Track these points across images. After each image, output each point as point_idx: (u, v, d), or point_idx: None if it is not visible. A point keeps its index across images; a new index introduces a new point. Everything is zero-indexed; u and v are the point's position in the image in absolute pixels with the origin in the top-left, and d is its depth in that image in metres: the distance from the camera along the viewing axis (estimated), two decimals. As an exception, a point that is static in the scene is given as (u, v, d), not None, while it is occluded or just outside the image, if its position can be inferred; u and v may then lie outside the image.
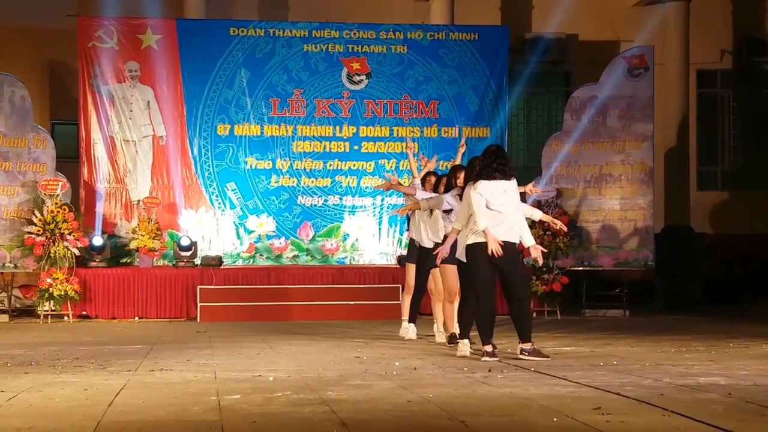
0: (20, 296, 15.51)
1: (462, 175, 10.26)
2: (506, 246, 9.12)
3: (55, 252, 14.57)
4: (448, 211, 10.34)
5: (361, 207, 16.91)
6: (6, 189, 15.07)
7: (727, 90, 19.79)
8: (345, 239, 16.81)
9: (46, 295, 14.45)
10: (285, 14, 18.12)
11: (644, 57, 16.19)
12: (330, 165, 16.89)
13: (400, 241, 16.57)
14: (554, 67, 18.92)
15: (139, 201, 16.21)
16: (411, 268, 11.61)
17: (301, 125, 16.85)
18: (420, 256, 11.26)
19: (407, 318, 11.82)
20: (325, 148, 16.89)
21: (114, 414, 6.09)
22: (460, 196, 9.91)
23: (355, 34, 17.00)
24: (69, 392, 7.01)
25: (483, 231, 9.11)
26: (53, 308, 14.59)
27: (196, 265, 15.56)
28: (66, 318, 14.69)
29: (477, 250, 9.17)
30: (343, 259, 16.74)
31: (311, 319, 14.58)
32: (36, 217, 14.67)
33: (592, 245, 16.00)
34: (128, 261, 16.04)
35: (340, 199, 16.89)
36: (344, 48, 16.95)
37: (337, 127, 16.92)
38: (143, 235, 15.41)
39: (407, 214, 11.86)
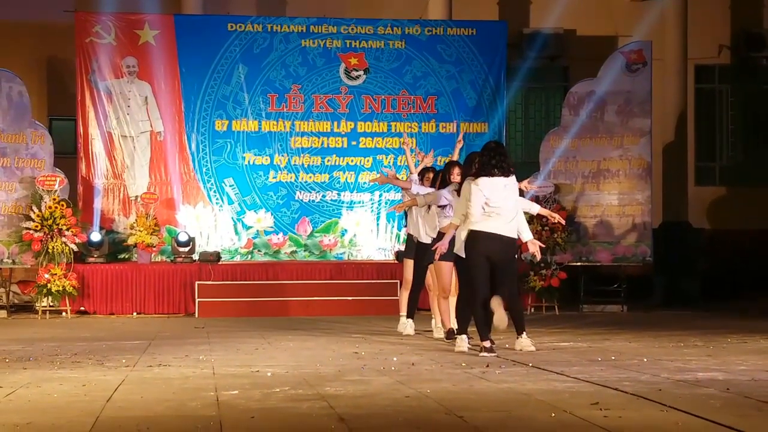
0: (18, 292, 15.52)
1: (456, 171, 10.26)
2: (505, 241, 9.12)
3: (53, 248, 14.56)
4: (444, 207, 10.34)
5: (359, 202, 16.90)
6: (4, 185, 15.06)
7: (726, 85, 19.79)
8: (343, 235, 16.81)
9: (44, 290, 14.45)
10: (282, 10, 18.12)
11: (642, 52, 16.19)
12: (328, 160, 16.89)
13: (398, 236, 16.57)
14: (552, 63, 18.91)
15: (137, 197, 16.20)
16: (409, 264, 11.61)
17: (299, 121, 16.85)
18: (418, 252, 11.26)
19: (405, 313, 11.83)
20: (323, 143, 16.89)
21: (112, 409, 6.09)
22: (458, 191, 9.91)
23: (352, 29, 16.99)
24: (67, 388, 7.01)
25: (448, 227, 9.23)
26: (51, 304, 14.59)
27: (194, 261, 15.56)
28: (64, 314, 14.69)
29: (475, 244, 9.14)
30: (341, 254, 16.74)
31: (309, 314, 14.59)
32: (34, 212, 14.67)
33: (590, 241, 16.00)
34: (126, 257, 16.04)
35: (338, 194, 16.89)
36: (342, 43, 16.95)
37: (335, 123, 16.92)
38: (141, 231, 15.41)
39: (404, 210, 11.84)
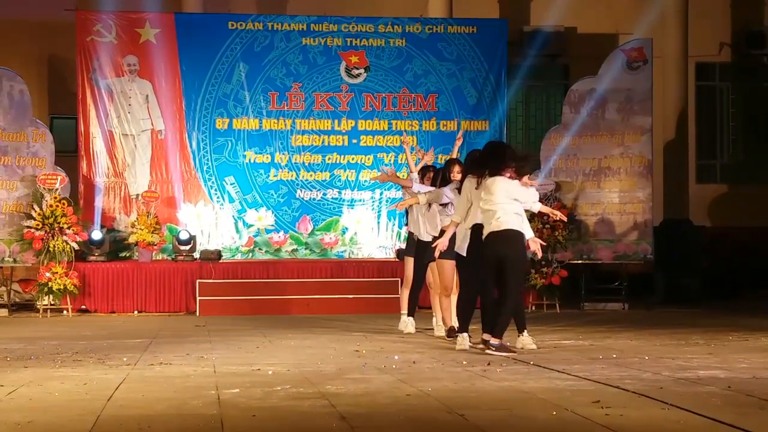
0: (19, 290, 15.52)
1: (457, 169, 10.26)
2: (511, 234, 9.08)
3: (54, 246, 14.56)
4: (445, 205, 10.34)
5: (360, 201, 16.90)
6: (5, 183, 15.06)
7: (726, 83, 19.78)
8: (344, 233, 16.81)
9: (46, 289, 14.45)
10: (283, 8, 18.11)
11: (643, 50, 16.17)
12: (329, 159, 16.89)
13: (398, 234, 16.57)
14: (553, 60, 18.90)
15: (137, 195, 16.20)
16: (410, 262, 11.62)
17: (300, 119, 16.84)
18: (418, 250, 11.26)
19: (406, 312, 11.83)
20: (323, 141, 16.88)
21: (113, 408, 6.09)
22: (459, 189, 9.91)
23: (353, 27, 16.98)
24: (68, 386, 7.01)
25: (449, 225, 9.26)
26: (52, 302, 14.59)
27: (195, 259, 15.56)
28: (65, 312, 14.69)
29: (485, 242, 9.13)
30: (341, 252, 16.74)
31: (310, 312, 14.59)
32: (35, 211, 14.67)
33: (591, 239, 15.99)
34: (127, 255, 16.04)
35: (339, 192, 16.89)
36: (343, 41, 16.94)
37: (336, 121, 16.91)
38: (142, 229, 15.40)
39: (405, 209, 11.84)
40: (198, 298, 14.82)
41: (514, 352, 8.97)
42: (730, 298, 16.86)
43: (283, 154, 16.80)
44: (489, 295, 9.89)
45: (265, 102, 16.76)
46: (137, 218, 15.65)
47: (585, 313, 14.86)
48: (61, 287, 14.43)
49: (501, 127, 17.15)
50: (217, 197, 16.58)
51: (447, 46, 17.14)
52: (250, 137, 16.73)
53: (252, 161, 16.72)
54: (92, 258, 15.26)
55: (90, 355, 9.07)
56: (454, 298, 10.48)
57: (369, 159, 16.92)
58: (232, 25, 16.71)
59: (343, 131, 16.92)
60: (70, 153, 16.44)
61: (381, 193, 16.86)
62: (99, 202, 16.09)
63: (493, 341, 9.03)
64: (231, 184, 16.64)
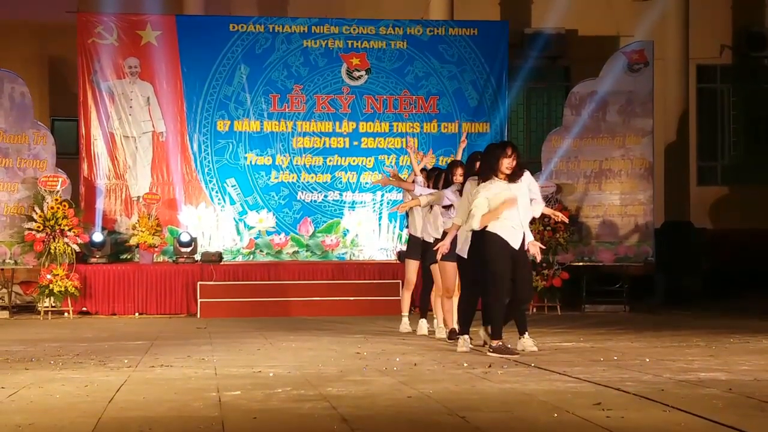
0: (20, 292, 15.52)
1: (459, 171, 10.27)
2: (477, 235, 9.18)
3: (55, 248, 14.57)
4: (447, 207, 10.34)
5: (361, 203, 16.91)
6: (6, 185, 15.07)
7: (727, 85, 19.79)
8: (345, 235, 16.81)
9: (47, 291, 14.45)
10: (284, 10, 18.12)
11: (644, 52, 16.18)
12: (330, 161, 16.89)
13: (400, 236, 16.57)
14: (554, 63, 18.91)
15: (139, 197, 16.20)
16: (411, 264, 11.63)
17: (301, 121, 16.85)
18: (423, 252, 11.27)
19: (407, 313, 11.85)
20: (324, 143, 16.89)
21: (114, 410, 6.09)
22: (460, 191, 9.91)
23: (354, 29, 16.99)
24: (69, 388, 7.01)
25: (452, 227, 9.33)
26: (53, 304, 14.59)
27: (196, 261, 15.56)
28: (66, 314, 14.69)
29: (495, 241, 9.10)
30: (343, 254, 16.75)
31: (311, 314, 14.59)
32: (36, 213, 14.68)
33: (592, 241, 16.00)
34: (128, 257, 16.05)
35: (340, 194, 16.89)
36: (344, 44, 16.95)
37: (337, 123, 16.92)
38: (143, 231, 15.41)
39: (406, 210, 11.85)
40: (199, 300, 14.82)
41: (516, 354, 8.96)
42: (731, 299, 16.84)
43: (284, 156, 16.80)
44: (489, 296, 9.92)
45: (266, 104, 16.77)
46: (138, 220, 15.65)
47: (586, 315, 14.86)
48: (62, 289, 14.43)
49: (502, 129, 17.15)
50: (218, 199, 16.58)
51: (448, 48, 17.14)
52: (251, 139, 16.73)
53: (253, 163, 16.72)
54: (93, 260, 15.27)
55: (91, 357, 9.07)
56: (455, 300, 10.47)
57: (370, 161, 16.93)
58: (233, 27, 16.72)
59: (344, 133, 16.92)
60: (71, 155, 16.45)
61: (382, 195, 16.87)
62: (100, 204, 16.10)
63: (492, 343, 9.04)
64: (232, 186, 16.64)
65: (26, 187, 15.11)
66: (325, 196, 16.87)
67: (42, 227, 14.61)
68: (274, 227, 16.66)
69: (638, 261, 15.97)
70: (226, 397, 6.54)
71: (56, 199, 14.79)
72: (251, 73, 16.70)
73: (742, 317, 13.75)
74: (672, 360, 8.57)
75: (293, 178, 16.82)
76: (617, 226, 15.95)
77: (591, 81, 16.29)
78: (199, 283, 14.95)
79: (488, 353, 8.99)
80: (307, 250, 16.69)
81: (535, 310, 15.18)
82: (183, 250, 15.61)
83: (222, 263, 15.63)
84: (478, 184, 9.29)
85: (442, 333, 10.94)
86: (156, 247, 15.59)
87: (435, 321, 11.31)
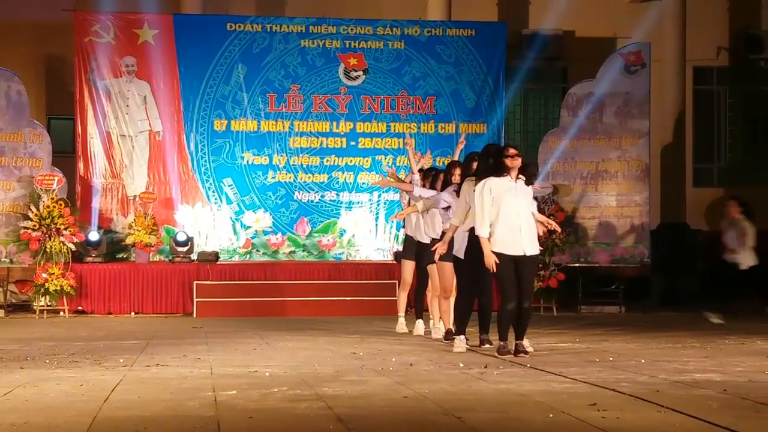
0: (16, 291, 15.51)
1: (457, 172, 10.26)
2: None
3: (51, 247, 14.56)
4: (446, 208, 10.32)
5: (358, 203, 16.90)
6: (2, 184, 15.06)
7: (724, 87, 19.81)
8: (341, 235, 16.81)
9: (42, 290, 14.44)
10: (282, 10, 18.11)
11: (641, 54, 16.19)
12: (327, 161, 16.88)
13: (396, 237, 16.57)
14: (551, 64, 18.92)
15: (135, 196, 16.18)
16: (407, 264, 11.64)
17: (298, 121, 16.84)
18: (418, 252, 11.28)
19: (403, 314, 11.86)
20: (321, 143, 16.89)
21: (110, 409, 6.09)
22: (458, 192, 9.92)
23: (352, 29, 16.99)
24: (64, 387, 7.01)
25: (480, 239, 9.05)
26: (49, 303, 14.58)
27: (193, 261, 15.55)
28: (62, 313, 14.68)
29: (500, 259, 9.07)
30: (339, 254, 16.74)
31: (307, 314, 14.58)
32: (32, 212, 14.66)
33: (588, 242, 16.01)
34: (124, 256, 16.03)
35: (337, 194, 16.89)
36: (341, 44, 16.94)
37: (334, 123, 16.91)
38: (139, 231, 15.39)
39: (403, 211, 11.86)
40: (195, 300, 14.81)
41: (508, 354, 8.97)
42: (727, 301, 16.82)
43: (281, 155, 16.80)
44: (486, 297, 9.95)
45: (263, 103, 16.76)
46: (134, 219, 15.64)
47: (582, 316, 14.87)
48: (58, 288, 14.42)
49: (499, 129, 17.15)
50: (215, 199, 16.57)
51: (445, 48, 17.14)
52: (248, 139, 16.73)
53: (250, 163, 16.71)
54: (89, 259, 15.26)
55: (86, 357, 9.07)
56: (452, 301, 10.47)
57: (367, 161, 16.92)
58: (231, 27, 16.71)
59: (342, 133, 16.92)
60: (67, 154, 16.43)
61: (379, 196, 16.86)
62: (96, 203, 16.08)
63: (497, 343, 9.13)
64: (229, 186, 16.63)
65: (22, 185, 15.10)
66: (322, 196, 16.87)
67: (38, 226, 14.60)
68: (270, 227, 16.65)
69: (634, 262, 15.98)
70: (221, 397, 6.54)
71: (52, 198, 14.78)
72: (248, 73, 16.69)
73: (736, 318, 13.76)
74: (667, 361, 8.58)
75: (290, 178, 16.82)
76: (613, 227, 15.95)
77: (588, 82, 16.30)
78: (195, 282, 14.94)
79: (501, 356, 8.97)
80: (303, 250, 16.68)
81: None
82: (179, 249, 15.60)
83: (218, 263, 15.62)
84: (476, 184, 9.29)
85: (438, 333, 10.94)
86: (152, 247, 15.58)
87: (431, 321, 11.30)
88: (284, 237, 16.66)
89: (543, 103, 19.44)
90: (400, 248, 13.47)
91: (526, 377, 7.53)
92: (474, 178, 9.51)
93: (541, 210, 11.31)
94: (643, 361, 8.58)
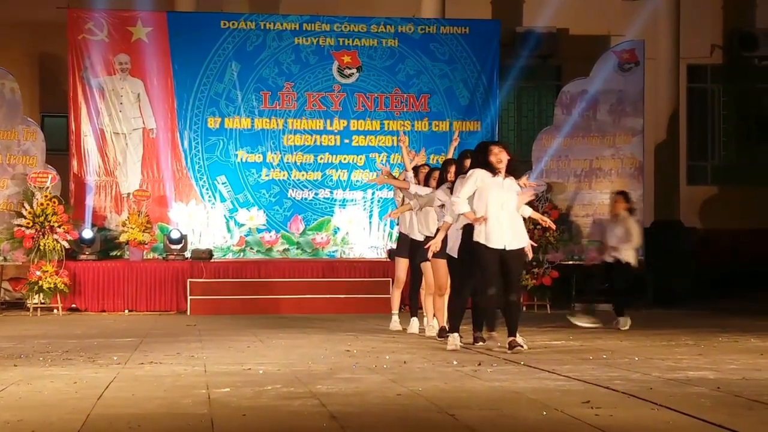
0: (9, 289, 15.49)
1: (452, 169, 10.26)
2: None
3: (45, 245, 14.54)
4: (442, 206, 10.32)
5: (352, 200, 16.90)
6: (-5, 181, 15.05)
7: (717, 85, 19.82)
8: (335, 233, 16.81)
9: (36, 287, 14.42)
10: (276, 7, 18.09)
11: (635, 51, 16.21)
12: (321, 158, 16.88)
13: (390, 234, 16.57)
14: (545, 62, 18.92)
15: (129, 194, 16.17)
16: (400, 262, 11.64)
17: (292, 118, 16.83)
18: (412, 250, 11.28)
19: (397, 311, 11.86)
20: (315, 141, 16.88)
21: (103, 407, 6.09)
22: (452, 190, 9.92)
23: (345, 27, 16.98)
24: (58, 385, 7.00)
25: (462, 214, 9.25)
26: (43, 301, 14.57)
27: (186, 259, 15.54)
28: (55, 311, 14.66)
29: (482, 251, 9.13)
30: (333, 252, 16.74)
31: (301, 312, 14.58)
32: (26, 209, 14.64)
33: (582, 239, 16.02)
34: (118, 254, 16.02)
35: (331, 192, 16.88)
36: (335, 41, 16.93)
37: (328, 121, 16.91)
38: (133, 228, 15.38)
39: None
40: (189, 298, 14.80)
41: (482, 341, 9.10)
42: (720, 299, 16.87)
43: (275, 153, 16.79)
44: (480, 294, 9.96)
45: (257, 101, 16.75)
46: (128, 217, 15.62)
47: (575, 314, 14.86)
48: (52, 286, 14.40)
49: (493, 127, 17.16)
50: (209, 196, 16.56)
51: (439, 46, 17.14)
52: (242, 136, 16.72)
53: (244, 160, 16.70)
54: (83, 257, 15.23)
55: (80, 354, 9.06)
56: (446, 298, 10.48)
57: (361, 159, 16.92)
58: (225, 24, 16.70)
59: (335, 131, 16.92)
60: (61, 151, 16.41)
61: (373, 193, 16.86)
62: (90, 201, 16.06)
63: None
64: (222, 184, 16.62)
65: (16, 183, 15.08)
66: (316, 194, 16.86)
67: (31, 223, 14.58)
68: (264, 225, 16.64)
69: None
70: (215, 395, 6.54)
71: (46, 196, 14.76)
72: (242, 71, 16.68)
73: (730, 316, 13.79)
74: (661, 359, 8.59)
75: (284, 175, 16.81)
76: (607, 225, 15.95)
77: (582, 80, 16.31)
78: (189, 280, 14.93)
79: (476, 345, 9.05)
80: (297, 248, 16.68)
81: (525, 308, 15.16)
82: (173, 247, 15.59)
83: (212, 260, 15.61)
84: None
85: (432, 331, 10.94)
86: (146, 244, 15.57)
87: (425, 319, 11.31)
88: (278, 235, 16.65)
89: (537, 101, 19.45)
90: (394, 246, 13.48)
91: (520, 375, 7.53)
92: (466, 176, 9.52)
93: (534, 208, 11.30)
94: (636, 358, 8.59)
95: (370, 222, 16.86)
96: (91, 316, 14.61)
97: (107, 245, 15.96)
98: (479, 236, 9.14)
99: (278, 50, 16.79)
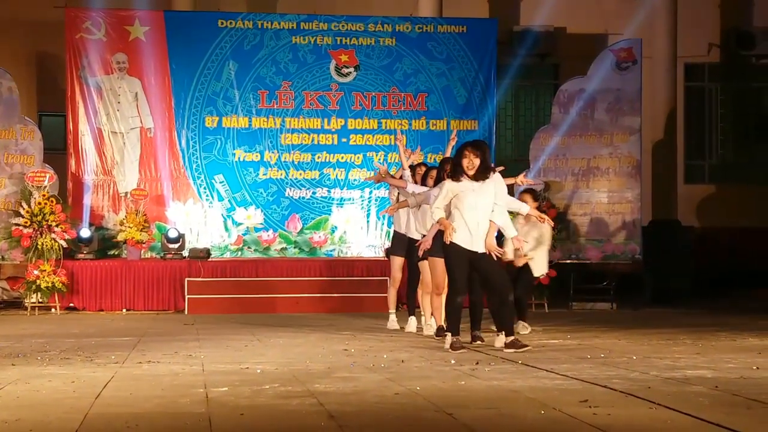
0: (7, 288, 15.47)
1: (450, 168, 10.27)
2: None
3: (43, 244, 14.53)
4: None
5: (349, 199, 16.90)
6: (-7, 181, 15.04)
7: (715, 83, 19.84)
8: (333, 232, 16.80)
9: (34, 287, 14.41)
10: (273, 6, 18.10)
11: (632, 50, 16.22)
12: (318, 157, 16.88)
13: (388, 233, 16.55)
14: (542, 60, 18.93)
15: (126, 193, 16.16)
16: (396, 261, 11.64)
17: (290, 117, 16.83)
18: (409, 249, 11.28)
19: (394, 310, 11.86)
20: (313, 140, 16.88)
21: (101, 406, 6.08)
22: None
23: (343, 26, 16.98)
24: (56, 384, 7.00)
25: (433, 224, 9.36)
26: (40, 300, 14.55)
27: (184, 258, 15.53)
28: (53, 310, 14.65)
29: (452, 250, 9.19)
30: (331, 251, 16.74)
31: (299, 311, 14.58)
32: (23, 208, 14.63)
33: (579, 238, 16.03)
34: (116, 253, 16.01)
35: (328, 191, 16.88)
36: (332, 40, 16.93)
37: (326, 120, 16.91)
38: (131, 227, 15.36)
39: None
40: (187, 297, 14.79)
41: (462, 349, 9.16)
42: (718, 298, 16.89)
43: (273, 152, 16.78)
44: (477, 294, 9.98)
45: (254, 100, 16.75)
46: (126, 216, 15.61)
47: (573, 313, 14.88)
48: (49, 285, 14.39)
49: (490, 126, 17.16)
50: (207, 195, 16.56)
51: (437, 45, 17.14)
52: (240, 135, 16.71)
53: (241, 159, 16.70)
54: (81, 256, 15.23)
55: (78, 353, 9.06)
56: (444, 297, 10.48)
57: (358, 158, 16.92)
58: (222, 23, 16.69)
59: (333, 130, 16.92)
60: (58, 150, 16.41)
61: (370, 192, 16.86)
62: (88, 200, 16.06)
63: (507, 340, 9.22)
64: (220, 183, 16.62)
65: (13, 182, 15.07)
66: (314, 193, 16.86)
67: (29, 223, 14.57)
68: (262, 224, 16.64)
69: (625, 259, 16.01)
70: (213, 394, 6.54)
71: (43, 195, 14.75)
72: (240, 70, 16.68)
73: (728, 315, 13.80)
74: (659, 357, 8.59)
75: (281, 174, 16.81)
76: (605, 223, 15.97)
77: (579, 79, 16.32)
78: (186, 279, 14.92)
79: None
80: (295, 247, 16.68)
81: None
82: (171, 246, 15.58)
83: (210, 259, 15.60)
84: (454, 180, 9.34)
85: (429, 330, 10.94)
86: (143, 243, 15.56)
87: (423, 318, 11.31)
88: (276, 234, 16.65)
89: (534, 100, 19.46)
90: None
91: (518, 374, 7.53)
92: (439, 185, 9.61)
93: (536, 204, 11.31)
94: (634, 357, 8.60)
95: (368, 221, 16.86)
96: (88, 315, 14.60)
97: (105, 244, 15.95)
98: (454, 238, 9.18)
99: (276, 49, 16.79)
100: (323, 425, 5.49)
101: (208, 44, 16.59)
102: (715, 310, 14.75)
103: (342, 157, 16.91)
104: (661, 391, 6.53)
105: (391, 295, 11.88)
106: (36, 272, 14.41)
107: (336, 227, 16.81)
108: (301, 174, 16.83)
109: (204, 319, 13.58)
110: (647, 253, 16.29)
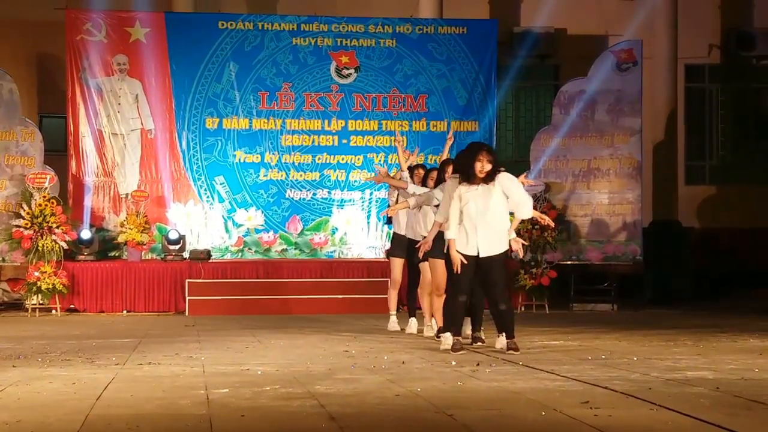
0: (8, 290, 15.49)
1: (451, 169, 10.25)
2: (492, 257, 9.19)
3: (43, 245, 14.53)
4: (438, 206, 10.32)
5: (350, 201, 16.90)
6: (-7, 182, 15.05)
7: (715, 84, 19.83)
8: (333, 233, 16.81)
9: (34, 288, 14.41)
10: (274, 8, 18.10)
11: (632, 51, 16.22)
12: (318, 159, 16.88)
13: (388, 235, 16.53)
14: (543, 61, 18.93)
15: (127, 194, 16.17)
16: (396, 262, 11.64)
17: (290, 119, 16.84)
18: (410, 250, 11.27)
19: (395, 312, 11.85)
20: (313, 141, 16.88)
21: (102, 408, 6.08)
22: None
23: (343, 27, 16.98)
24: (57, 386, 7.00)
25: (449, 242, 9.19)
26: (41, 302, 14.56)
27: (185, 259, 15.54)
28: (54, 311, 14.66)
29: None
30: (331, 252, 16.74)
31: (300, 312, 14.58)
32: (24, 210, 14.64)
33: (580, 239, 16.03)
34: (116, 254, 16.01)
35: (329, 192, 16.89)
36: (333, 42, 16.94)
37: (326, 121, 16.91)
38: (131, 229, 15.37)
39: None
40: (187, 298, 14.80)
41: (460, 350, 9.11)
42: (719, 299, 16.89)
43: (273, 154, 16.79)
44: (477, 295, 9.97)
45: (255, 102, 16.75)
46: (126, 218, 15.62)
47: (574, 314, 14.89)
48: (50, 286, 14.39)
49: (491, 127, 17.16)
50: (207, 197, 16.56)
51: (437, 46, 17.15)
52: (240, 137, 16.72)
53: (242, 161, 16.71)
54: (81, 257, 15.23)
55: (79, 355, 9.05)
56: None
57: (359, 159, 16.93)
58: (222, 25, 16.70)
59: (333, 131, 16.92)
60: (59, 152, 16.41)
61: (371, 194, 16.87)
62: (88, 202, 16.07)
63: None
64: (221, 184, 16.63)
65: (14, 184, 15.08)
66: (314, 194, 16.87)
67: (30, 224, 14.57)
68: (262, 225, 16.65)
69: (626, 260, 16.01)
70: (214, 395, 6.53)
71: (44, 196, 14.76)
72: (240, 71, 16.69)
73: (729, 316, 13.80)
74: (659, 359, 8.59)
75: (282, 175, 16.82)
76: (605, 224, 15.98)
77: (580, 80, 16.33)
78: (187, 280, 14.93)
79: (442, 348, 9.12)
80: (295, 248, 16.68)
81: (523, 308, 15.21)
82: (171, 247, 15.58)
83: (210, 261, 15.61)
84: (460, 182, 9.29)
85: (430, 331, 10.94)
86: (144, 245, 15.56)
87: (424, 319, 11.30)
88: (276, 235, 16.66)
89: (534, 101, 19.46)
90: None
91: (518, 375, 7.53)
92: (458, 175, 9.51)
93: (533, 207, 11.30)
94: (635, 358, 8.59)
95: (368, 222, 16.87)
96: (89, 316, 14.61)
97: (105, 246, 15.96)
98: (457, 243, 9.16)
99: (276, 51, 16.80)
100: (324, 427, 5.49)
101: (208, 46, 16.59)
102: (715, 311, 14.75)
103: (342, 159, 16.92)
104: (661, 393, 6.53)
105: (392, 297, 11.87)
106: (37, 274, 14.42)
107: (336, 228, 16.82)
108: (301, 175, 16.84)
109: (204, 320, 13.58)
110: (648, 254, 16.30)
